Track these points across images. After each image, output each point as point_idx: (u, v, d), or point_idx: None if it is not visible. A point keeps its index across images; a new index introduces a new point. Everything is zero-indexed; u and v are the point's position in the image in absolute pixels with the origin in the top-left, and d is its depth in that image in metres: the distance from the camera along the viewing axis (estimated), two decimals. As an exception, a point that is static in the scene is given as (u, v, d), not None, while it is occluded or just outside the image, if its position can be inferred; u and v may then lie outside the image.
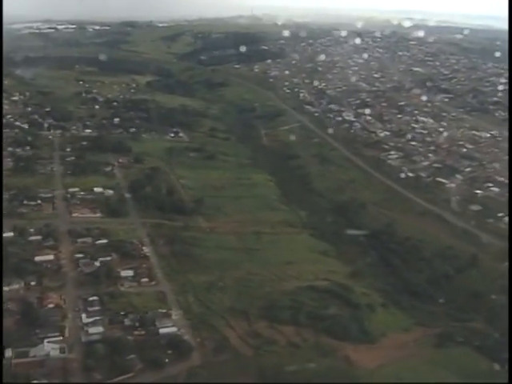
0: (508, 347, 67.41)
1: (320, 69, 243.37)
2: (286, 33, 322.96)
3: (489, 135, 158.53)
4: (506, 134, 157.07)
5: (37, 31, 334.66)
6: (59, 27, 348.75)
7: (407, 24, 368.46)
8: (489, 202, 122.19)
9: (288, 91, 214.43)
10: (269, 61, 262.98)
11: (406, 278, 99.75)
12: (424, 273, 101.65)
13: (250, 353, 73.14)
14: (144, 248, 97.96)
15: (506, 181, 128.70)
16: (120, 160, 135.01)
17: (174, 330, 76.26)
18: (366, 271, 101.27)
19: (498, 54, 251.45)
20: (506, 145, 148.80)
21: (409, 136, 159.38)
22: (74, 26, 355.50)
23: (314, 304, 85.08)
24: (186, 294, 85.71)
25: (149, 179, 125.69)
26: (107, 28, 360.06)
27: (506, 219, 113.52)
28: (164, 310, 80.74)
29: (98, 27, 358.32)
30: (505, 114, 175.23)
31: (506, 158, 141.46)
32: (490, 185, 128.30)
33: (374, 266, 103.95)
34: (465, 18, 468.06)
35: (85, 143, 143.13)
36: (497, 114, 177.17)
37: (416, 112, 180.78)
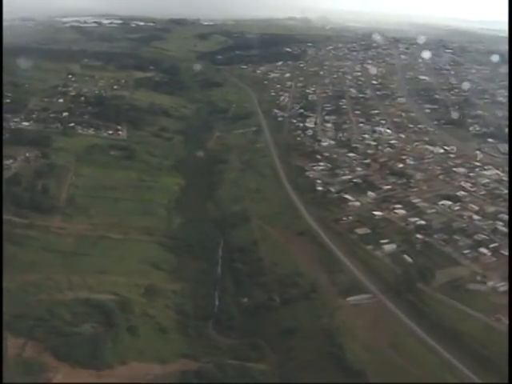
0: (508, 347, 61.67)
1: (321, 73, 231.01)
2: (324, 36, 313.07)
3: (442, 151, 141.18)
4: (464, 149, 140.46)
5: (80, 25, 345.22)
6: (104, 22, 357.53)
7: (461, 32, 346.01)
8: (383, 225, 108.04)
9: (273, 94, 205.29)
10: (279, 63, 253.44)
11: (225, 303, 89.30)
12: (251, 299, 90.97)
13: None
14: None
15: (421, 203, 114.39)
16: (27, 154, 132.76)
17: None
18: (186, 290, 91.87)
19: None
20: (452, 163, 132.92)
21: (352, 147, 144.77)
22: (119, 21, 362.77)
23: (70, 319, 77.82)
24: None
25: (36, 175, 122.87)
26: (151, 24, 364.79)
27: (386, 247, 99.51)
28: None
29: (142, 23, 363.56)
30: (479, 129, 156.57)
31: (442, 177, 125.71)
32: (398, 206, 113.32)
33: (202, 285, 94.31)
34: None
35: (7, 135, 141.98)
36: (471, 129, 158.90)
37: (382, 122, 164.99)
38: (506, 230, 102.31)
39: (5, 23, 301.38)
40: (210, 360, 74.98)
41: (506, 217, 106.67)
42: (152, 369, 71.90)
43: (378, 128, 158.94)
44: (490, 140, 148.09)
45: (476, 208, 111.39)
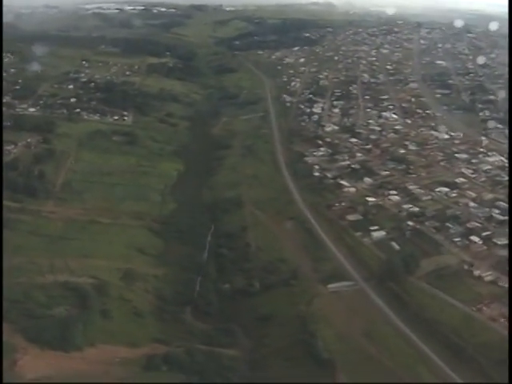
0: (508, 347, 60.88)
1: (336, 58, 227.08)
2: (345, 21, 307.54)
3: (447, 137, 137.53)
4: (471, 135, 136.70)
5: (102, 11, 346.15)
6: (126, 8, 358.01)
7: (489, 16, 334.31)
8: (375, 212, 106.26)
9: (285, 79, 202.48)
10: (296, 48, 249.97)
11: (205, 289, 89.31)
12: (232, 285, 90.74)
13: None
14: None
15: (417, 190, 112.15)
16: (29, 139, 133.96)
17: None
18: (168, 275, 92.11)
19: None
20: (456, 149, 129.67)
21: (355, 132, 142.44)
22: (141, 8, 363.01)
23: (45, 301, 78.67)
24: None
25: (35, 160, 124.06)
26: (173, 10, 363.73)
27: (375, 234, 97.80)
28: None
29: (164, 9, 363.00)
30: (489, 114, 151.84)
31: (443, 163, 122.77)
32: (393, 193, 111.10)
33: (185, 270, 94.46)
34: None
35: (12, 121, 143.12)
36: (480, 114, 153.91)
37: (390, 107, 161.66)
38: (501, 217, 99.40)
39: (27, 10, 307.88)
40: (181, 345, 74.69)
41: (503, 204, 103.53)
42: (120, 352, 72.26)
43: (384, 113, 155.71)
44: (498, 126, 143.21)
45: (474, 195, 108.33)
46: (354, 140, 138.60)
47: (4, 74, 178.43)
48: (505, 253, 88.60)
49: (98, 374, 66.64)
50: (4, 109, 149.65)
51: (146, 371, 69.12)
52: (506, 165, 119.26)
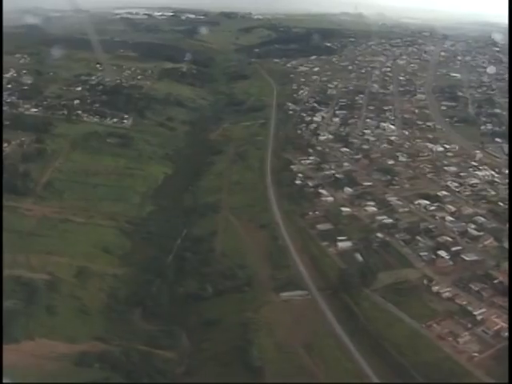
0: (508, 347, 61.54)
1: (350, 67, 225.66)
2: (370, 32, 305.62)
3: (441, 149, 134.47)
4: (466, 148, 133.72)
5: (130, 16, 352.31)
6: (155, 14, 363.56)
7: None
8: (347, 222, 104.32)
9: (294, 88, 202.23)
10: (313, 57, 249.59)
11: (160, 291, 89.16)
12: (187, 288, 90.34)
13: None
14: None
15: (395, 201, 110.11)
16: (23, 138, 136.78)
17: None
18: (128, 275, 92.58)
19: None
20: (447, 162, 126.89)
21: (348, 142, 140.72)
22: (170, 14, 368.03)
23: (-5, 295, 79.39)
24: None
25: (24, 158, 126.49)
26: (201, 17, 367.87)
27: (341, 244, 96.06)
28: None
29: (193, 16, 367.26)
30: (491, 128, 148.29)
31: (430, 176, 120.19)
32: (371, 204, 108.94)
33: (146, 272, 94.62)
34: None
35: (12, 121, 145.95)
36: (482, 127, 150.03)
37: (391, 118, 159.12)
38: (476, 233, 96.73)
39: (56, 14, 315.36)
40: (120, 344, 74.61)
41: (481, 219, 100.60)
42: (57, 347, 72.58)
43: (383, 124, 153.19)
44: (497, 140, 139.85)
45: (453, 209, 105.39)
46: (345, 149, 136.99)
47: (14, 75, 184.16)
48: (471, 269, 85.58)
49: (28, 367, 66.81)
50: (6, 108, 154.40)
51: (77, 367, 69.00)
52: (496, 180, 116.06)
